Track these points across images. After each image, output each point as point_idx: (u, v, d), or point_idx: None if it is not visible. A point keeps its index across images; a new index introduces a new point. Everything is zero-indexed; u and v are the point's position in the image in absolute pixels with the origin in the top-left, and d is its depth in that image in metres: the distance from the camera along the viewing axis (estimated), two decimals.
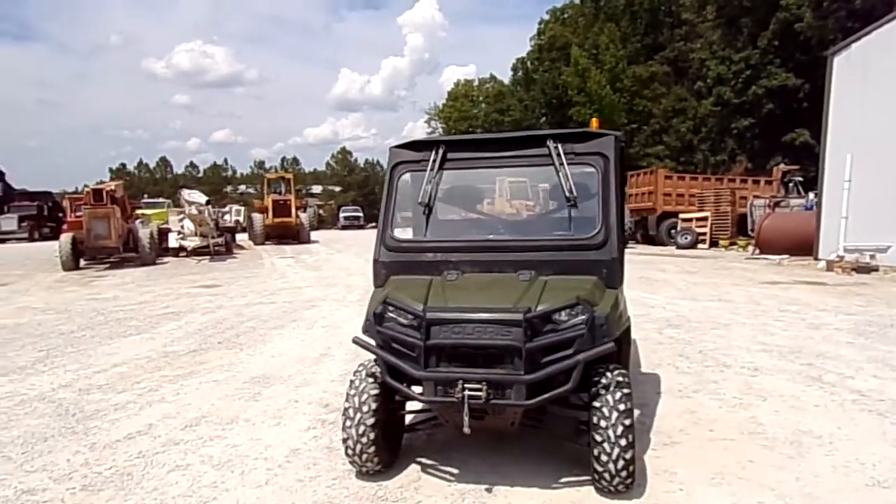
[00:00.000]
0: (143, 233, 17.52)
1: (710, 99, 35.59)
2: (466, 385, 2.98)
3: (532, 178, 4.12)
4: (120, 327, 8.28)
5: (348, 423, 3.28)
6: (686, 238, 19.22)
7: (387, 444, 3.42)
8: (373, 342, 3.30)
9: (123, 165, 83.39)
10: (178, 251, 19.17)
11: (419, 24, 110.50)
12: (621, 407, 3.01)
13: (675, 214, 20.70)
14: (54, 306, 10.54)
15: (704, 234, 19.54)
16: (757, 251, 16.46)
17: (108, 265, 17.25)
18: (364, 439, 3.25)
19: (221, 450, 3.88)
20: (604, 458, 3.00)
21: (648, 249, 19.42)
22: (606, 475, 3.03)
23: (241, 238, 25.76)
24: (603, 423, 3.00)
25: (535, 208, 3.81)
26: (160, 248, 18.93)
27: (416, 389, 3.23)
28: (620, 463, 2.98)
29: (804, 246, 15.09)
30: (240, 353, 6.47)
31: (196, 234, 18.73)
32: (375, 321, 3.28)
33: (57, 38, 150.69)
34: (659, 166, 35.28)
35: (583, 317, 3.05)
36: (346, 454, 3.35)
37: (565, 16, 47.48)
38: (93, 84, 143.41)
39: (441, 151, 3.75)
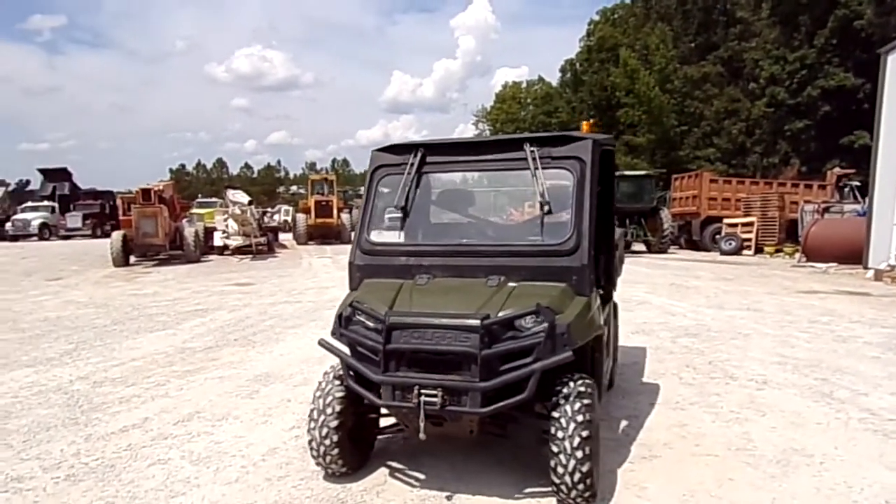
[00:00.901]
0: (189, 231, 18.13)
1: (763, 100, 34.37)
2: (423, 391, 2.98)
3: (517, 182, 4.07)
4: (149, 322, 8.59)
5: (312, 424, 3.32)
6: (730, 244, 18.59)
7: (354, 447, 3.44)
8: (340, 345, 3.33)
9: (183, 166, 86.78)
10: (221, 249, 19.74)
11: (471, 27, 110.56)
12: (579, 418, 2.95)
13: (720, 219, 20.08)
14: (96, 301, 11.02)
15: (749, 240, 18.86)
16: (803, 258, 15.79)
17: (155, 262, 17.91)
18: (327, 441, 3.29)
19: (204, 446, 3.99)
20: (560, 469, 2.94)
21: (690, 255, 18.90)
22: (564, 487, 2.97)
23: (287, 237, 26.37)
24: (560, 434, 2.94)
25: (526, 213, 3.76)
26: (206, 247, 19.53)
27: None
28: (577, 475, 2.92)
29: (854, 254, 14.38)
30: (251, 351, 6.63)
31: (239, 234, 19.24)
32: (341, 324, 3.31)
33: (128, 46, 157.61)
34: (709, 169, 34.35)
35: (543, 324, 3.00)
36: (312, 455, 3.39)
37: (615, 16, 46.66)
38: (159, 88, 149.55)
39: (420, 155, 3.75)
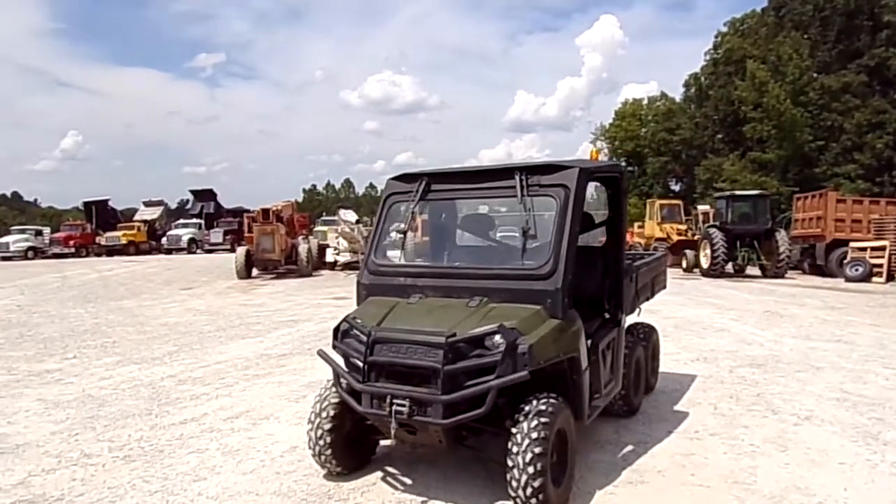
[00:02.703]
0: (303, 248, 19.59)
1: None
2: (395, 400, 3.29)
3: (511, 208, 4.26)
4: (246, 331, 9.55)
5: (309, 426, 3.74)
6: (856, 270, 16.91)
7: (350, 449, 3.80)
8: (337, 356, 3.73)
9: (314, 186, 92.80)
10: (332, 265, 21.07)
11: (598, 44, 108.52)
12: (534, 435, 3.11)
13: (847, 243, 18.37)
14: (211, 309, 12.34)
15: (880, 266, 17.06)
16: None
17: (273, 276, 19.51)
18: (321, 442, 3.68)
19: (239, 440, 4.55)
20: (514, 483, 3.12)
21: (809, 281, 17.45)
22: (518, 501, 3.14)
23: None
24: (515, 449, 3.13)
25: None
26: (319, 262, 20.95)
27: None
28: (529, 490, 3.09)
29: None
30: (316, 360, 7.21)
31: (348, 250, 20.46)
32: (336, 337, 3.71)
33: (274, 77, 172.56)
34: (849, 188, 31.50)
35: (504, 344, 3.20)
36: (311, 455, 3.80)
37: (744, 27, 44.15)
38: (299, 114, 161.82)
39: (425, 183, 4.09)
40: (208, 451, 4.34)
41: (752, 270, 19.31)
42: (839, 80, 36.95)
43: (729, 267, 19.04)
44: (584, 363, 3.68)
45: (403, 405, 3.26)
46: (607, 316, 4.39)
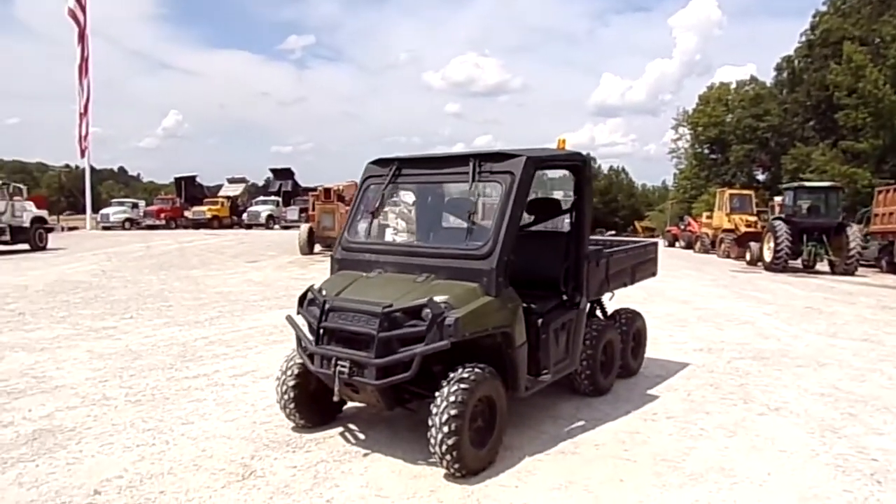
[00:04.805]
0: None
1: None
2: (339, 362, 3.72)
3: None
4: (287, 301, 10.25)
5: (276, 383, 4.24)
6: None
7: (315, 405, 4.27)
8: (302, 321, 4.19)
9: None
10: None
11: (693, 24, 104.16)
12: (452, 399, 3.47)
13: None
14: (266, 281, 13.26)
15: None
16: None
17: None
18: (286, 397, 4.18)
19: (234, 394, 5.14)
20: (432, 440, 3.50)
21: (882, 280, 16.44)
22: (437, 456, 3.52)
23: None
24: (434, 410, 3.50)
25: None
26: None
27: None
28: (444, 447, 3.45)
29: None
30: None
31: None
32: (301, 304, 4.18)
33: (360, 59, 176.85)
34: None
35: (431, 315, 3.54)
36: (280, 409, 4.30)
37: (845, 6, 41.11)
38: (383, 96, 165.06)
39: (395, 168, 4.46)
40: (205, 402, 4.94)
41: (823, 267, 18.42)
42: None
43: (798, 262, 18.26)
44: (521, 339, 3.96)
45: (345, 366, 3.68)
46: (565, 298, 4.62)
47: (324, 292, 4.11)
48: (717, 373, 6.07)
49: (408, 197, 21.65)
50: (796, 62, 44.63)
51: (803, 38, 44.11)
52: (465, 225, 4.81)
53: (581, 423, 4.57)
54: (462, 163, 4.17)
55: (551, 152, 4.69)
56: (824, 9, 42.71)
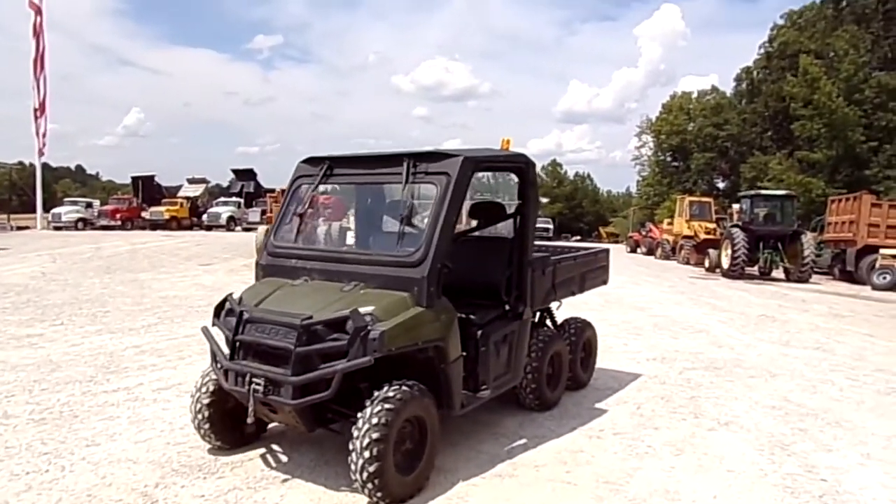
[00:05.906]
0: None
1: None
2: (254, 379, 3.38)
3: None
4: None
5: (191, 400, 3.87)
6: (884, 278, 16.08)
7: (232, 426, 3.90)
8: (219, 333, 3.84)
9: None
10: None
11: (657, 35, 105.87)
12: (374, 420, 3.16)
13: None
14: (215, 285, 12.72)
15: None
16: None
17: None
18: (200, 416, 3.82)
19: (153, 411, 4.77)
20: (352, 466, 3.19)
21: (835, 287, 16.70)
22: (358, 483, 3.20)
23: None
24: (355, 433, 3.19)
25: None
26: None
27: None
28: (364, 475, 3.15)
29: None
30: None
31: None
32: (216, 314, 3.82)
33: (329, 60, 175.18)
34: None
35: (354, 328, 3.23)
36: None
37: (801, 20, 42.20)
38: (351, 98, 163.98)
39: (326, 167, 4.14)
40: (118, 420, 4.54)
41: (779, 274, 18.64)
42: None
43: (755, 269, 18.44)
44: (455, 353, 3.68)
45: (260, 384, 3.35)
46: (508, 308, 4.36)
47: (243, 301, 3.77)
48: (669, 384, 5.89)
49: None
50: (755, 73, 45.67)
51: (762, 50, 45.26)
52: (384, 229, 4.52)
53: (523, 441, 4.30)
54: (396, 163, 3.88)
55: (492, 153, 4.43)
56: (782, 22, 43.86)
